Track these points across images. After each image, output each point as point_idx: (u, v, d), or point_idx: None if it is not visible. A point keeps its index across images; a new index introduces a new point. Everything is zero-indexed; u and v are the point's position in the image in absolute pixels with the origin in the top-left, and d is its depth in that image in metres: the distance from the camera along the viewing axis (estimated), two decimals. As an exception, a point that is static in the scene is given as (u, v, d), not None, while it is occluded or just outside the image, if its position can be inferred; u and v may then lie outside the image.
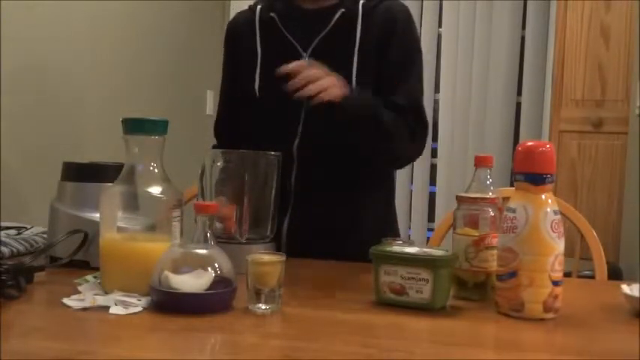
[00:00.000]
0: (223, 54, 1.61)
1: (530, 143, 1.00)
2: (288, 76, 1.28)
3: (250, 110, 1.50)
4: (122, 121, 1.04)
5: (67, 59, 2.35)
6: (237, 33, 1.56)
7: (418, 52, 1.52)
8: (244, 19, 1.56)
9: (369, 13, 1.45)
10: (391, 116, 1.38)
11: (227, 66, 1.61)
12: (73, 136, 2.37)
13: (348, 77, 1.41)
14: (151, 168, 1.04)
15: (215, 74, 1.61)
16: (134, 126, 1.04)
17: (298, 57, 1.44)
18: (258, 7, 1.52)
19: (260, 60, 1.48)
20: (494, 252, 1.03)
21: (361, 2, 1.46)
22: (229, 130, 1.60)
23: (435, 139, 3.42)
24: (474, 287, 1.07)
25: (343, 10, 1.44)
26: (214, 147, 1.60)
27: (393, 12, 1.47)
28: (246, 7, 1.58)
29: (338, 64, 1.41)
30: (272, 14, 1.47)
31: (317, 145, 1.45)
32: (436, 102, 3.45)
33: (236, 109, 1.56)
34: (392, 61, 1.45)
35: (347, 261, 1.34)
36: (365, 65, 1.43)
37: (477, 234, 1.07)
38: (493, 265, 1.04)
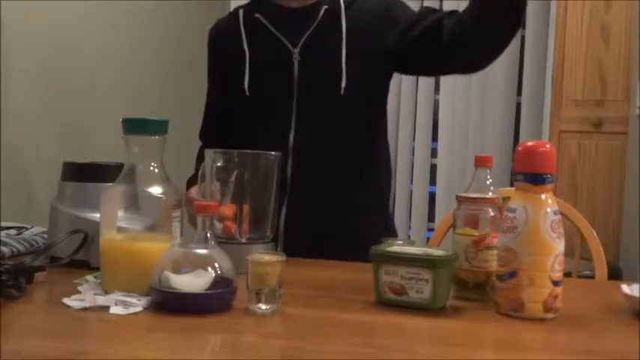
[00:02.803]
0: (207, 60, 1.63)
1: (530, 143, 1.00)
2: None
3: (241, 111, 1.52)
4: (122, 122, 1.04)
5: (65, 59, 2.35)
6: (221, 37, 1.59)
7: None
8: (226, 23, 1.60)
9: (352, 5, 1.49)
10: None
11: (212, 71, 1.63)
12: (72, 137, 2.37)
13: (337, 68, 1.45)
14: (151, 168, 1.04)
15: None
16: (134, 126, 1.04)
17: (287, 53, 1.48)
18: (240, 10, 1.55)
19: (248, 59, 1.49)
20: (495, 252, 1.03)
21: None
22: (215, 137, 1.60)
23: (435, 139, 3.42)
24: (474, 287, 1.07)
25: (326, 6, 1.48)
26: (201, 149, 1.60)
27: (380, 0, 1.51)
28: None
29: (327, 58, 1.46)
30: (257, 15, 1.50)
31: (312, 137, 1.46)
32: (436, 102, 3.45)
33: (223, 115, 1.57)
34: (408, 25, 1.46)
35: (346, 254, 1.34)
36: (354, 55, 1.46)
37: (477, 234, 1.07)
38: (493, 265, 1.04)
